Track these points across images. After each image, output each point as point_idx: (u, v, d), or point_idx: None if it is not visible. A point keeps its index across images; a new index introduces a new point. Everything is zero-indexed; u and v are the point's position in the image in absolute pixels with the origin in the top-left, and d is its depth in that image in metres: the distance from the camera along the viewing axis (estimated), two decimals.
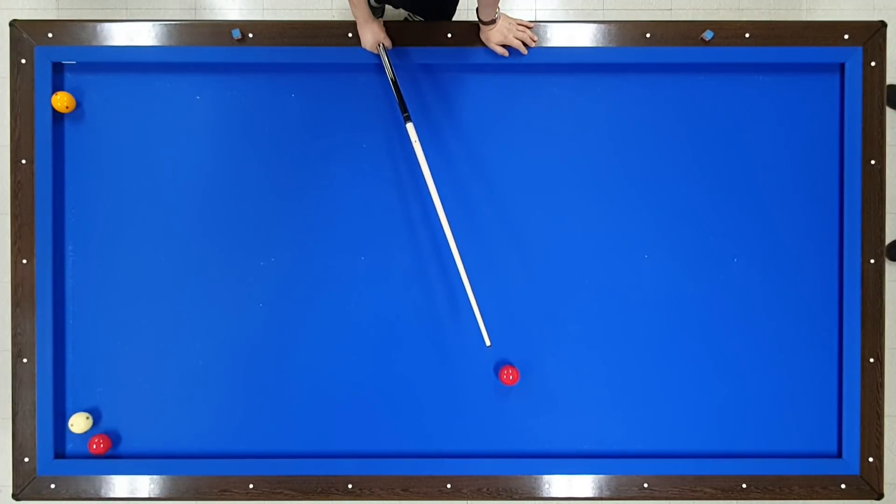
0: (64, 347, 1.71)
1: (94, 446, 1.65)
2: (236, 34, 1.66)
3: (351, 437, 1.71)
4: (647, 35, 1.69)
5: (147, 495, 1.69)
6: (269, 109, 1.71)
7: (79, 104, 1.70)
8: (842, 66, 1.70)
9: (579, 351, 1.71)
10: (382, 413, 1.71)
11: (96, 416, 1.71)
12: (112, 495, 1.70)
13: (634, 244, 1.71)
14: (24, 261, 1.69)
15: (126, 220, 1.71)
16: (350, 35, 1.68)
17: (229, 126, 1.71)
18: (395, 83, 1.59)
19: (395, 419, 1.71)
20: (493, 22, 1.62)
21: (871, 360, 1.70)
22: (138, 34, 1.69)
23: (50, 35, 1.68)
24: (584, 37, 1.70)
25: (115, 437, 1.71)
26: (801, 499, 1.69)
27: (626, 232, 1.71)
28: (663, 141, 1.72)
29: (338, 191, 1.71)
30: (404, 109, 1.58)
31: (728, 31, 1.69)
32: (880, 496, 1.71)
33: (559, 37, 1.70)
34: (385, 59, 1.61)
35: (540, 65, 1.69)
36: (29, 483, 1.69)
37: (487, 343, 1.59)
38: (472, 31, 1.69)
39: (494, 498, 1.69)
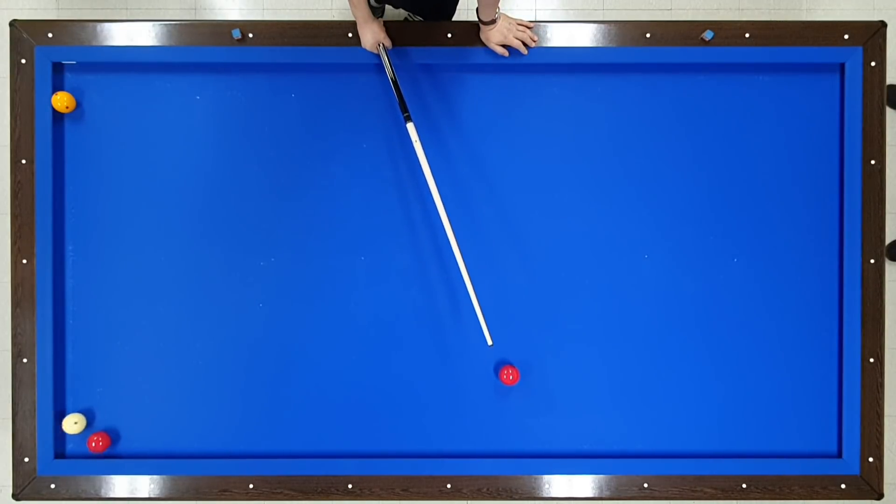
0: (64, 347, 1.71)
1: (94, 444, 1.65)
2: (236, 34, 1.66)
3: (351, 437, 1.71)
4: (647, 35, 1.69)
5: (147, 495, 1.69)
6: (269, 109, 1.71)
7: (79, 104, 1.70)
8: (842, 66, 1.70)
9: (579, 351, 1.71)
10: (382, 413, 1.71)
11: (97, 415, 1.71)
12: (112, 495, 1.70)
13: (634, 244, 1.71)
14: (24, 261, 1.69)
15: (126, 220, 1.71)
16: (350, 35, 1.68)
17: (229, 126, 1.71)
18: (395, 83, 1.59)
19: (395, 419, 1.71)
20: (493, 22, 1.62)
21: (871, 360, 1.70)
22: (138, 34, 1.69)
23: (50, 35, 1.68)
24: (584, 37, 1.70)
25: (115, 437, 1.71)
26: (801, 499, 1.69)
27: (626, 232, 1.71)
28: (663, 141, 1.72)
29: (338, 191, 1.71)
30: (404, 109, 1.58)
31: (728, 31, 1.69)
32: (880, 496, 1.71)
33: (559, 37, 1.70)
34: (385, 59, 1.61)
35: (540, 65, 1.69)
36: (29, 483, 1.69)
37: (489, 342, 1.59)
38: (472, 31, 1.69)
39: (494, 498, 1.69)
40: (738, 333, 1.71)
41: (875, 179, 1.69)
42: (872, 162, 1.69)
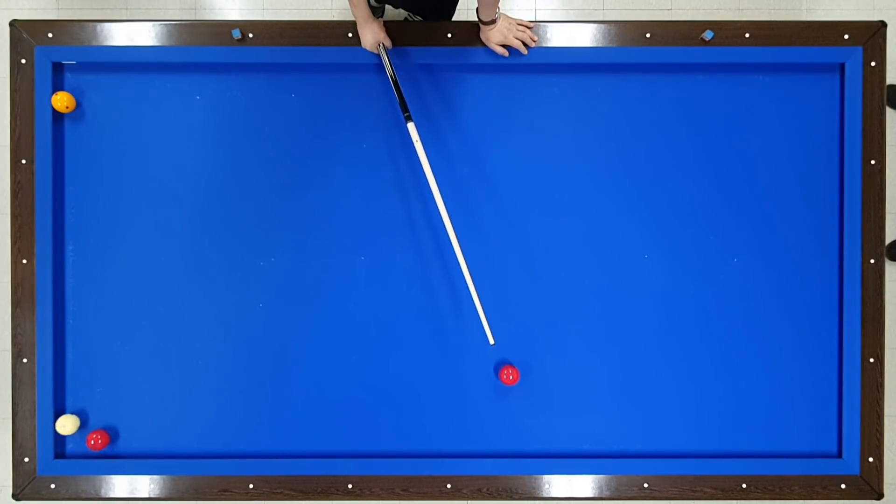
0: (64, 347, 1.71)
1: (93, 442, 1.65)
2: (236, 34, 1.66)
3: (351, 437, 1.71)
4: (647, 35, 1.69)
5: (147, 495, 1.69)
6: (269, 109, 1.71)
7: (79, 104, 1.70)
8: (842, 66, 1.70)
9: (579, 351, 1.71)
10: (382, 413, 1.71)
11: (97, 415, 1.71)
12: (112, 495, 1.70)
13: (634, 244, 1.71)
14: (24, 261, 1.69)
15: (126, 220, 1.71)
16: (350, 35, 1.68)
17: (229, 126, 1.71)
18: (395, 83, 1.59)
19: (395, 419, 1.71)
20: (493, 22, 1.62)
21: (871, 360, 1.70)
22: (138, 34, 1.69)
23: (50, 35, 1.68)
24: (584, 37, 1.70)
25: (115, 437, 1.71)
26: (801, 499, 1.69)
27: (626, 232, 1.71)
28: (663, 141, 1.72)
29: (338, 191, 1.71)
30: (405, 109, 1.58)
31: (728, 31, 1.69)
32: (880, 496, 1.71)
33: (559, 37, 1.70)
34: (385, 58, 1.61)
35: (540, 65, 1.69)
36: (29, 483, 1.69)
37: (491, 341, 1.59)
38: (472, 31, 1.69)
39: (494, 498, 1.69)
40: (738, 333, 1.71)
41: (875, 179, 1.69)
42: (872, 162, 1.69)
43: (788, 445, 1.72)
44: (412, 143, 1.58)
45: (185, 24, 1.69)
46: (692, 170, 1.72)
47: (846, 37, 1.69)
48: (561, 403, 1.71)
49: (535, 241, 1.71)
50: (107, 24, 1.69)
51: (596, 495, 1.69)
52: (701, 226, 1.71)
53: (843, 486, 1.69)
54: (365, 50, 1.66)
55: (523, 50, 1.67)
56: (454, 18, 2.00)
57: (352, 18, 1.65)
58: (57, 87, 1.68)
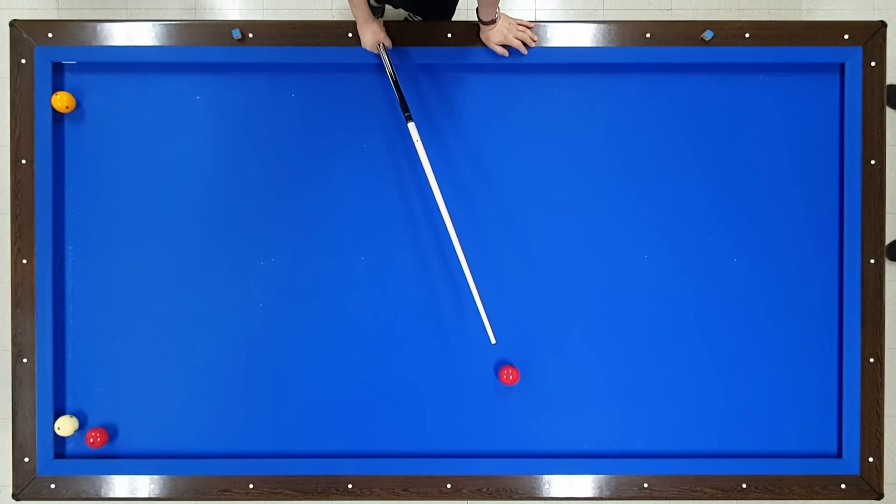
0: (64, 347, 1.71)
1: (91, 440, 1.65)
2: (236, 34, 1.66)
3: (351, 437, 1.71)
4: (647, 35, 1.69)
5: (147, 495, 1.69)
6: (269, 109, 1.71)
7: (79, 104, 1.70)
8: (842, 66, 1.70)
9: (579, 350, 1.71)
10: (382, 413, 1.71)
11: (97, 415, 1.71)
12: (112, 495, 1.70)
13: (634, 244, 1.71)
14: (24, 261, 1.69)
15: (126, 220, 1.71)
16: (350, 35, 1.68)
17: (229, 126, 1.71)
18: (395, 83, 1.59)
19: (395, 419, 1.71)
20: (493, 22, 1.62)
21: (871, 360, 1.70)
22: (138, 34, 1.69)
23: (50, 35, 1.68)
24: (584, 37, 1.70)
25: (115, 437, 1.71)
26: (801, 499, 1.69)
27: (626, 232, 1.71)
28: (663, 141, 1.72)
29: (338, 191, 1.71)
30: (405, 109, 1.58)
31: (728, 31, 1.69)
32: (880, 496, 1.71)
33: (559, 37, 1.70)
34: (385, 58, 1.61)
35: (540, 65, 1.69)
36: (29, 483, 1.69)
37: (493, 341, 1.59)
38: (472, 31, 1.69)
39: (494, 498, 1.69)
40: (738, 333, 1.71)
41: (875, 179, 1.69)
42: (872, 162, 1.69)
43: (788, 445, 1.72)
44: (412, 143, 1.58)
45: (185, 24, 1.69)
46: (692, 170, 1.72)
47: (846, 37, 1.69)
48: (561, 403, 1.71)
49: (534, 241, 1.71)
50: (107, 24, 1.69)
51: (596, 495, 1.69)
52: (701, 226, 1.71)
53: (843, 486, 1.69)
54: (365, 50, 1.66)
55: (523, 50, 1.67)
56: (454, 18, 2.00)
57: (352, 18, 1.65)
58: (57, 87, 1.68)
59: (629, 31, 1.69)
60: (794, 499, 1.69)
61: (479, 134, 1.72)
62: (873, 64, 1.69)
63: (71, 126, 1.71)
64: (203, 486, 1.68)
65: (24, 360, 1.69)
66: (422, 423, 1.71)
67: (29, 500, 1.69)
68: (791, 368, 1.72)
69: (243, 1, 2.61)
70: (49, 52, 1.67)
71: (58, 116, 1.69)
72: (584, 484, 1.69)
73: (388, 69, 1.60)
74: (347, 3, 1.79)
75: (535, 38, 1.68)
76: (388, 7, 2.27)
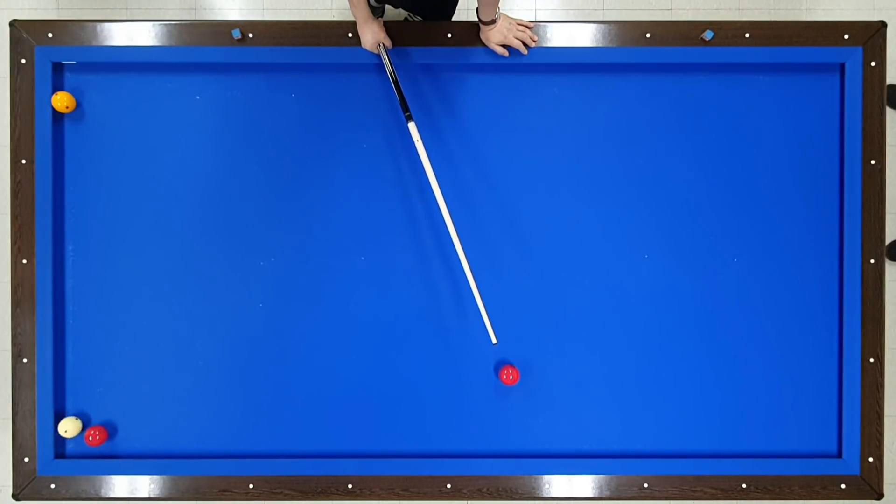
0: (64, 347, 1.71)
1: (90, 438, 1.65)
2: (236, 34, 1.66)
3: (351, 437, 1.71)
4: (647, 35, 1.69)
5: (147, 495, 1.69)
6: (269, 109, 1.71)
7: (79, 104, 1.70)
8: (842, 66, 1.70)
9: (579, 350, 1.71)
10: (383, 413, 1.71)
11: (97, 415, 1.71)
12: (112, 495, 1.70)
13: (634, 244, 1.71)
14: (24, 261, 1.69)
15: (126, 220, 1.71)
16: (350, 35, 1.68)
17: (229, 126, 1.71)
18: (395, 83, 1.59)
19: (395, 419, 1.71)
20: (493, 22, 1.62)
21: (871, 360, 1.70)
22: (138, 34, 1.69)
23: (50, 35, 1.68)
24: (584, 37, 1.70)
25: (115, 437, 1.71)
26: (801, 499, 1.69)
27: (626, 232, 1.71)
28: (663, 141, 1.72)
29: (338, 191, 1.71)
30: (406, 109, 1.58)
31: (728, 31, 1.69)
32: (880, 496, 1.71)
33: (559, 37, 1.70)
34: (385, 58, 1.61)
35: (540, 65, 1.69)
36: (29, 483, 1.69)
37: (494, 341, 1.59)
38: (472, 31, 1.69)
39: (494, 498, 1.69)
40: (738, 333, 1.71)
41: (875, 179, 1.69)
42: (872, 162, 1.69)
43: (788, 445, 1.72)
44: (413, 143, 1.58)
45: (185, 24, 1.69)
46: (692, 170, 1.72)
47: (846, 37, 1.69)
48: (561, 403, 1.71)
49: (535, 241, 1.71)
50: (107, 24, 1.69)
51: (596, 495, 1.69)
52: (701, 226, 1.71)
53: (843, 486, 1.69)
54: (365, 50, 1.66)
55: (523, 50, 1.67)
56: (454, 18, 2.00)
57: (352, 18, 1.65)
58: (57, 87, 1.68)
59: (629, 31, 1.69)
60: (794, 499, 1.69)
61: (480, 134, 1.72)
62: (873, 64, 1.69)
63: (71, 126, 1.71)
64: (203, 486, 1.68)
65: (24, 360, 1.69)
66: (422, 423, 1.71)
67: (29, 500, 1.69)
68: (791, 368, 1.72)
69: (243, 1, 2.61)
70: (49, 52, 1.67)
71: (58, 116, 1.69)
72: (584, 484, 1.69)
73: (389, 69, 1.60)
74: (347, 3, 1.79)
75: (535, 38, 1.68)
76: (388, 7, 2.27)
